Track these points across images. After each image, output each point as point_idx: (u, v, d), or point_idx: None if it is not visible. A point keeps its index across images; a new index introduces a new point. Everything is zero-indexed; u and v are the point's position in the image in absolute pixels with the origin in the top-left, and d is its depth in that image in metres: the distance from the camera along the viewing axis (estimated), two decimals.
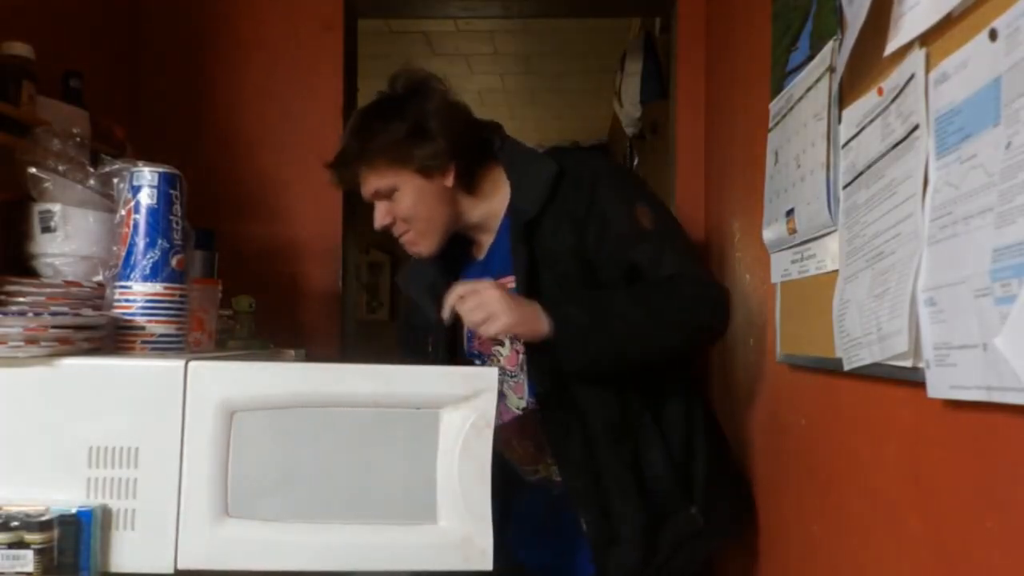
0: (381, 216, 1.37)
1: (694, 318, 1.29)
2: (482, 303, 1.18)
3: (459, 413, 1.12)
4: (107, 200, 1.37)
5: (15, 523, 1.05)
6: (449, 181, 1.34)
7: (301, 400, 1.13)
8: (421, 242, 1.37)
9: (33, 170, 1.38)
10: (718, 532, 1.41)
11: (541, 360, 1.28)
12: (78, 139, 1.50)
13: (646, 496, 1.30)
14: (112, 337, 1.23)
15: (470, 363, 1.44)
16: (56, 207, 1.38)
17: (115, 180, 1.29)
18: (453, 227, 1.39)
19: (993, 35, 0.67)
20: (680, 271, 1.30)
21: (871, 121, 0.92)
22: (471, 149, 1.36)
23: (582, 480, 1.30)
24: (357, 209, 2.29)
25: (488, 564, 1.06)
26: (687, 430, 1.36)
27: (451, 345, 1.46)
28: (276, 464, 1.13)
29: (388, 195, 1.35)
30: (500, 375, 1.24)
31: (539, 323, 1.19)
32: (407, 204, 1.34)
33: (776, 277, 1.32)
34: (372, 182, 1.35)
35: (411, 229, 1.37)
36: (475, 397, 1.11)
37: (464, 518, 1.10)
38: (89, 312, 1.20)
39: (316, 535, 1.10)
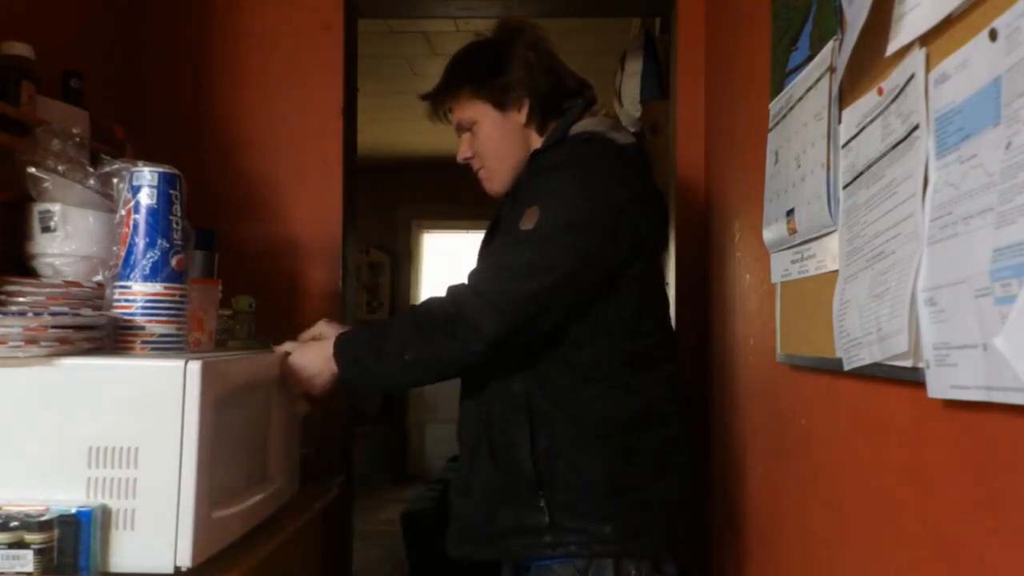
0: (463, 149, 1.48)
1: (429, 354, 1.30)
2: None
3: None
4: (107, 200, 1.37)
5: (15, 523, 1.05)
6: (523, 117, 1.43)
7: None
8: (493, 179, 1.49)
9: (33, 170, 1.38)
10: (574, 543, 1.28)
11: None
12: (78, 139, 1.50)
13: (504, 467, 1.33)
14: (112, 337, 1.23)
15: None
16: (56, 207, 1.38)
17: (115, 180, 1.29)
18: (524, 164, 1.45)
19: (993, 35, 0.67)
20: (472, 280, 1.31)
21: (871, 121, 0.92)
22: (547, 93, 1.43)
23: (466, 441, 1.42)
24: (357, 209, 2.29)
25: None
26: (562, 429, 1.32)
27: None
28: None
29: (469, 127, 1.46)
30: None
31: (320, 366, 1.38)
32: (483, 136, 1.45)
33: (776, 277, 1.32)
34: (456, 113, 1.47)
35: (484, 165, 1.47)
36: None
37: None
38: (89, 312, 1.20)
39: None
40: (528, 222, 1.28)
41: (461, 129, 1.47)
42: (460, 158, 1.49)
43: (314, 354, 1.38)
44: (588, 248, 1.29)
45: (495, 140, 1.44)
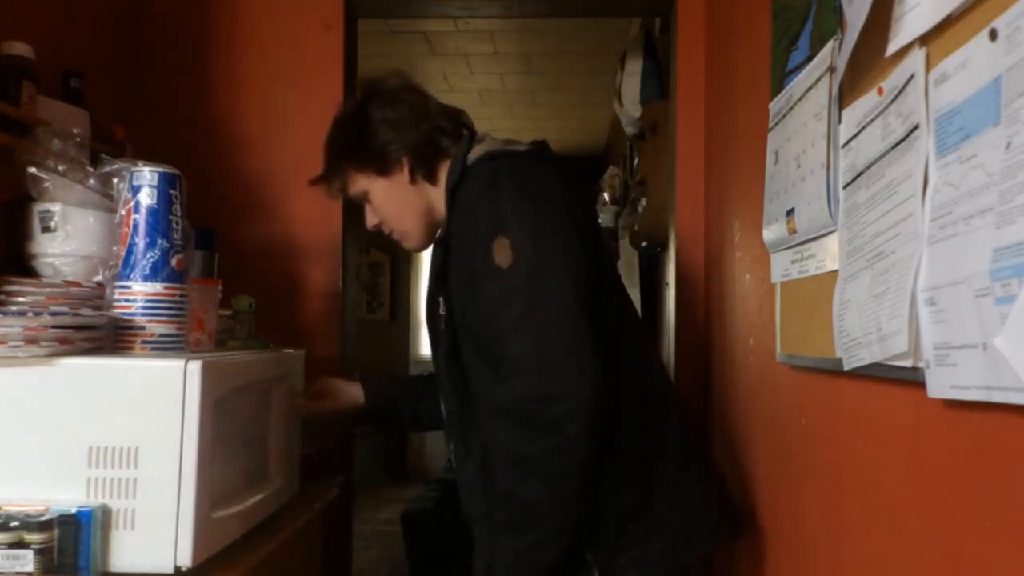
0: (369, 218, 1.49)
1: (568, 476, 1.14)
2: None
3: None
4: (107, 200, 1.37)
5: (15, 523, 1.05)
6: (406, 176, 1.41)
7: None
8: (408, 238, 1.47)
9: (33, 170, 1.38)
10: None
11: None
12: (78, 139, 1.50)
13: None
14: (112, 337, 1.23)
15: None
16: (56, 207, 1.38)
17: (115, 180, 1.29)
18: (432, 218, 1.44)
19: (993, 35, 0.67)
20: (515, 365, 1.14)
21: (871, 121, 0.92)
22: (422, 143, 1.40)
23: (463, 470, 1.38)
24: (357, 209, 2.29)
25: None
26: None
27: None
28: None
29: (365, 199, 1.46)
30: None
31: None
32: (378, 204, 1.44)
33: (776, 277, 1.32)
34: (348, 189, 1.47)
35: (393, 229, 1.47)
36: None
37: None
38: (89, 312, 1.20)
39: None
40: (502, 259, 1.17)
41: (360, 201, 1.48)
42: (369, 226, 1.50)
43: None
44: (571, 249, 1.22)
45: (390, 205, 1.44)
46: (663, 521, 1.26)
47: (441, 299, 1.34)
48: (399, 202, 1.43)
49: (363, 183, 1.44)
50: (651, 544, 1.24)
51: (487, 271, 1.19)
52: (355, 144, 1.42)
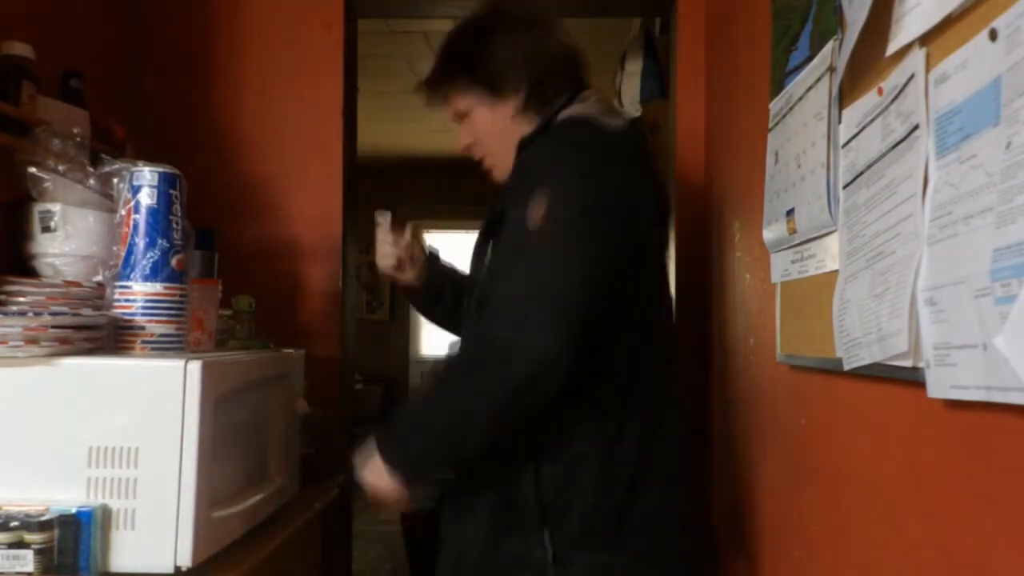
0: (462, 137, 1.41)
1: (496, 403, 1.13)
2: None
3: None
4: (107, 200, 1.37)
5: (15, 523, 1.05)
6: (515, 109, 1.34)
7: None
8: (496, 168, 1.40)
9: (33, 170, 1.38)
10: None
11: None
12: (78, 139, 1.51)
13: (505, 494, 1.22)
14: (112, 337, 1.23)
15: None
16: (56, 207, 1.38)
17: (115, 180, 1.29)
18: None
19: (993, 35, 0.67)
20: (498, 303, 1.16)
21: (871, 121, 0.92)
22: (539, 81, 1.33)
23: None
24: (357, 209, 2.29)
25: None
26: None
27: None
28: None
29: (464, 117, 1.39)
30: None
31: (389, 480, 1.19)
32: (476, 128, 1.38)
33: (776, 277, 1.32)
34: (449, 103, 1.39)
35: (485, 155, 1.40)
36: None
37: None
38: (89, 312, 1.20)
39: None
40: (533, 217, 1.15)
41: (457, 118, 1.41)
42: (461, 146, 1.42)
43: (377, 474, 1.20)
44: (609, 233, 1.17)
45: (489, 131, 1.37)
46: (635, 535, 1.20)
47: (489, 246, 1.31)
48: (499, 133, 1.36)
49: (468, 102, 1.37)
50: (612, 557, 1.19)
51: (517, 223, 1.18)
52: (474, 60, 1.34)
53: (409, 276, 1.51)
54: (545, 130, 1.30)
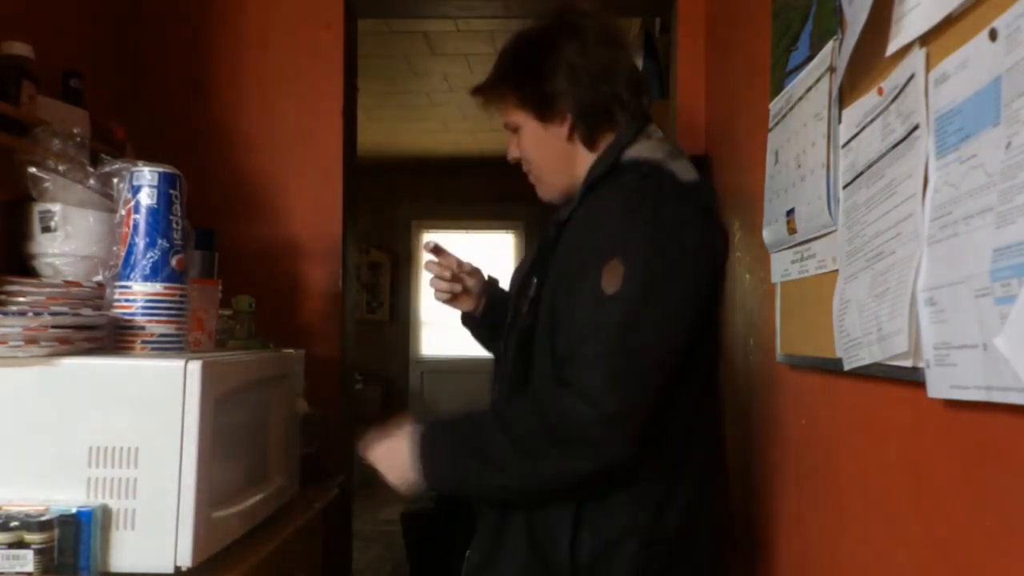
0: (510, 149, 1.36)
1: (548, 484, 1.13)
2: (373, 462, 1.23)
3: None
4: (107, 200, 1.37)
5: (15, 523, 1.05)
6: (565, 132, 1.28)
7: None
8: (540, 187, 1.36)
9: (33, 170, 1.38)
10: None
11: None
12: (78, 139, 1.50)
13: (539, 551, 1.19)
14: (112, 337, 1.23)
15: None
16: (56, 207, 1.38)
17: (115, 180, 1.29)
18: (574, 180, 1.30)
19: (993, 35, 0.67)
20: (575, 373, 1.11)
21: (871, 121, 0.92)
22: (594, 105, 1.27)
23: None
24: (357, 209, 2.29)
25: None
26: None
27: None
28: None
29: (514, 130, 1.34)
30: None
31: (408, 475, 1.18)
32: (526, 145, 1.33)
33: (776, 277, 1.32)
34: (501, 114, 1.35)
35: (531, 171, 1.35)
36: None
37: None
38: (89, 312, 1.20)
39: None
40: (608, 283, 1.11)
41: (508, 129, 1.36)
42: (510, 157, 1.37)
43: (397, 461, 1.20)
44: (682, 300, 1.15)
45: (537, 151, 1.32)
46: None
47: (535, 280, 1.24)
48: (548, 153, 1.31)
49: (519, 117, 1.31)
50: None
51: (589, 289, 1.12)
52: (526, 77, 1.29)
53: (465, 306, 1.50)
54: (612, 169, 1.24)
